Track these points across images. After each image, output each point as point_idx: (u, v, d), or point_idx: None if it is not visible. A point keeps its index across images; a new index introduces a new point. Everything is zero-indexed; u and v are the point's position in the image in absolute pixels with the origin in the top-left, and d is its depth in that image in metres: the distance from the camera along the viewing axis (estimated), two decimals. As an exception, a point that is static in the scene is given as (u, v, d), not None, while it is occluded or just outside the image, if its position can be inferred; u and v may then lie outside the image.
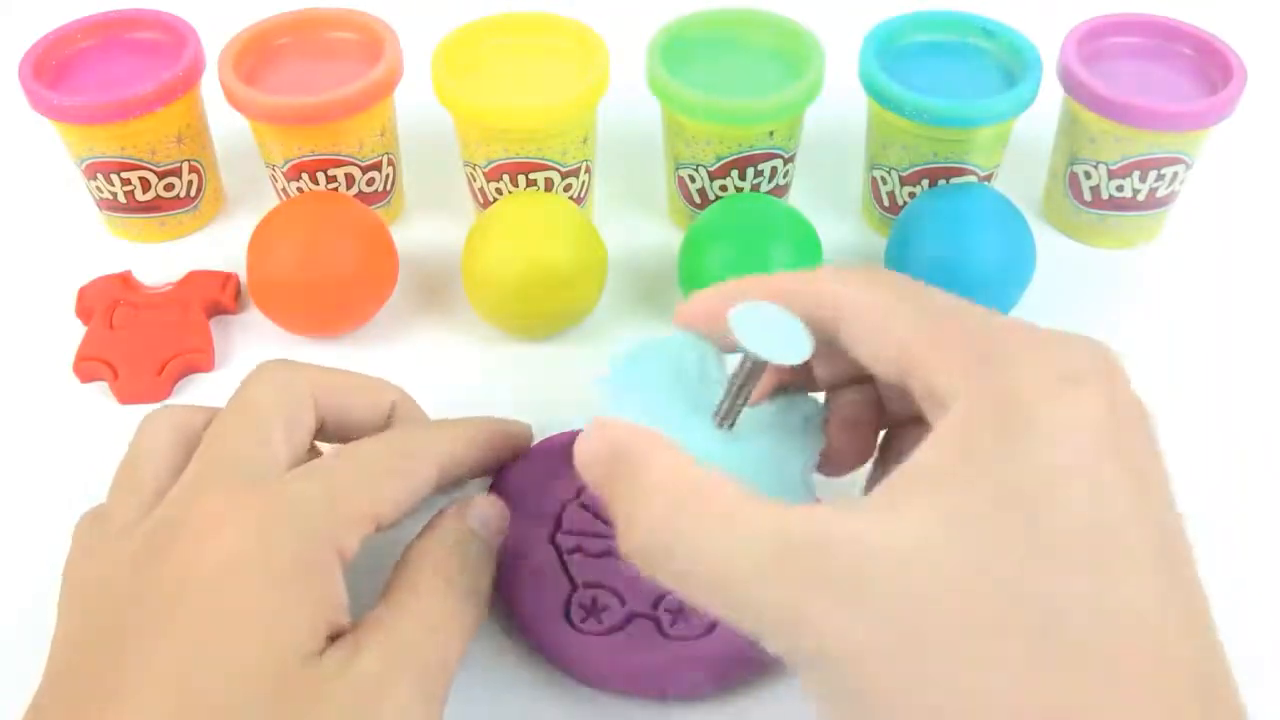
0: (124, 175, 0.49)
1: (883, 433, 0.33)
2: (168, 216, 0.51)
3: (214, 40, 0.49)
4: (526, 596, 0.35)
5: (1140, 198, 0.49)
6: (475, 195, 0.50)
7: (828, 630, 0.23)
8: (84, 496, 0.35)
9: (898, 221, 0.47)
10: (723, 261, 0.43)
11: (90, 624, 0.29)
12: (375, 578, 0.32)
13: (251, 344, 0.47)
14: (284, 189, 0.50)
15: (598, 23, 0.49)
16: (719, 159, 0.48)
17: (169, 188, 0.50)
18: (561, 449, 0.39)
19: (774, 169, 0.48)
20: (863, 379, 0.33)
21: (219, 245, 0.52)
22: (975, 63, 0.49)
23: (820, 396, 0.34)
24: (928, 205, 0.46)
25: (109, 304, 0.47)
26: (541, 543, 0.36)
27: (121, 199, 0.50)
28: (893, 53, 0.49)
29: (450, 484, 0.36)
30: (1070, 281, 0.49)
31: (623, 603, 0.35)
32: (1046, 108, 0.49)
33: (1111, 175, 0.48)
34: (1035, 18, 0.51)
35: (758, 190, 0.49)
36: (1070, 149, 0.49)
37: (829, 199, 0.53)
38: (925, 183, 0.49)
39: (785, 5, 0.50)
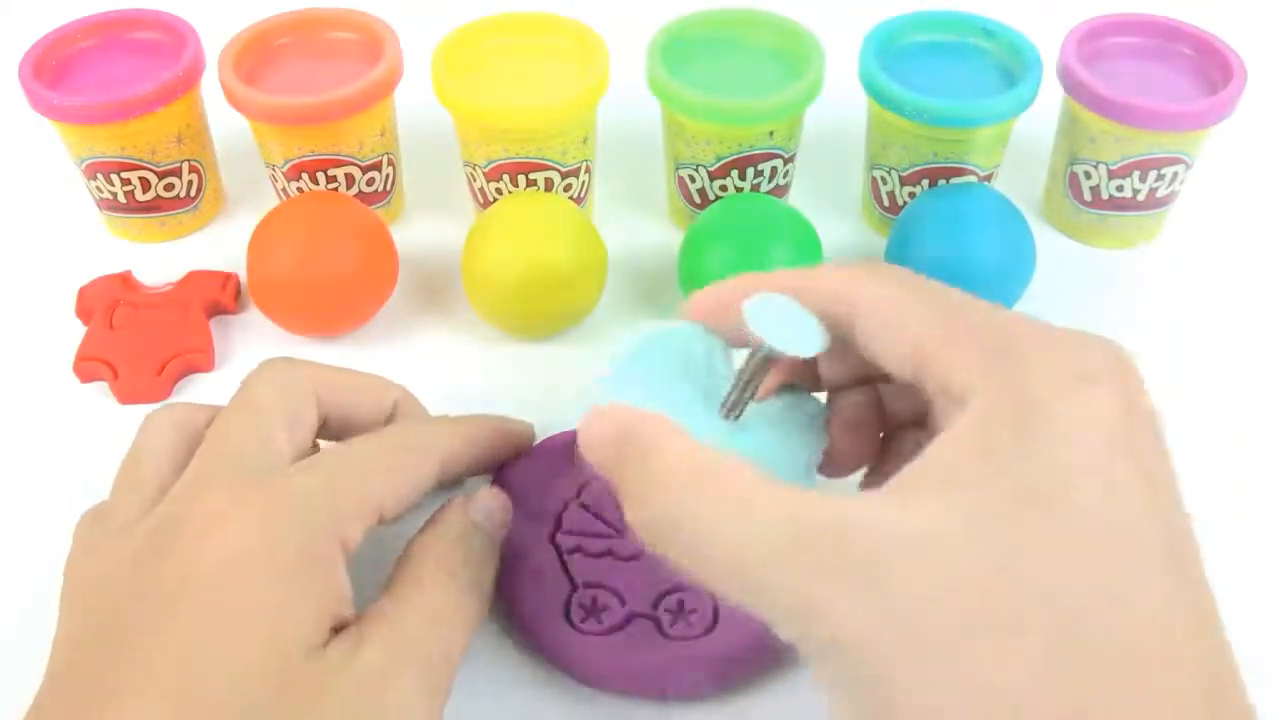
0: (124, 175, 0.49)
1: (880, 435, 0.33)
2: (168, 216, 0.51)
3: (214, 40, 0.49)
4: (526, 596, 0.35)
5: (1140, 198, 0.49)
6: (475, 195, 0.50)
7: (842, 618, 0.23)
8: (84, 496, 0.35)
9: (898, 221, 0.47)
10: (723, 261, 0.43)
11: (92, 622, 0.29)
12: (378, 572, 0.32)
13: (251, 344, 0.47)
14: (284, 189, 0.50)
15: (598, 23, 0.49)
16: (719, 159, 0.48)
17: (169, 188, 0.50)
18: (562, 448, 0.39)
19: (774, 169, 0.48)
20: (865, 381, 0.33)
21: (219, 245, 0.52)
22: (975, 63, 0.49)
23: (821, 397, 0.34)
24: (928, 205, 0.46)
25: (109, 304, 0.47)
26: (541, 542, 0.36)
27: (121, 199, 0.50)
28: (893, 53, 0.49)
29: (452, 480, 0.36)
30: (1070, 281, 0.49)
31: (623, 603, 0.35)
32: (1046, 108, 0.49)
33: (1111, 175, 0.48)
34: (1035, 18, 0.51)
35: (758, 190, 0.49)
36: (1070, 149, 0.49)
37: (829, 199, 0.53)
38: (925, 183, 0.49)
39: (785, 5, 0.50)
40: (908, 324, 0.28)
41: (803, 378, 0.33)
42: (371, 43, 0.50)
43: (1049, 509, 0.23)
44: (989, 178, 0.49)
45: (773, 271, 0.31)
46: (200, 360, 0.45)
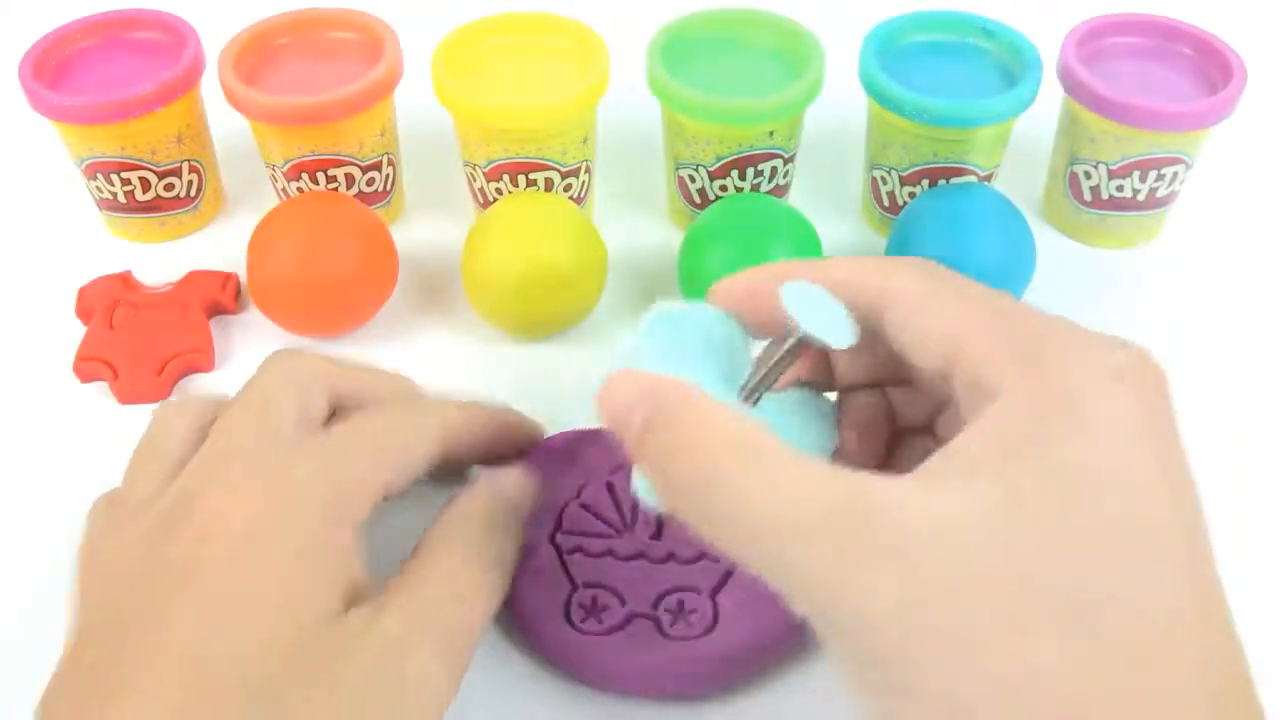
0: (124, 175, 0.49)
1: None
2: (168, 216, 0.51)
3: (214, 40, 0.49)
4: (526, 596, 0.35)
5: (1140, 198, 0.49)
6: (475, 195, 0.50)
7: (864, 597, 0.23)
8: (84, 496, 0.35)
9: (898, 221, 0.47)
10: (723, 261, 0.43)
11: (107, 602, 0.29)
12: (394, 559, 0.32)
13: (251, 344, 0.47)
14: (284, 189, 0.50)
15: (598, 23, 0.49)
16: (719, 159, 0.48)
17: (169, 188, 0.50)
18: (562, 448, 0.39)
19: (774, 169, 0.48)
20: (877, 383, 0.33)
21: (219, 245, 0.52)
22: (975, 63, 0.49)
23: (831, 398, 0.34)
24: (928, 205, 0.46)
25: (109, 304, 0.47)
26: (542, 543, 0.36)
27: (121, 199, 0.50)
28: (893, 53, 0.49)
29: (457, 461, 0.36)
30: (1070, 281, 0.49)
31: (623, 603, 0.35)
32: (1046, 108, 0.49)
33: (1111, 175, 0.48)
34: (1035, 18, 0.51)
35: (758, 190, 0.49)
36: (1070, 149, 0.49)
37: (829, 199, 0.53)
38: (925, 183, 0.49)
39: (785, 5, 0.50)
40: (940, 315, 0.28)
41: (817, 375, 0.33)
42: (371, 43, 0.50)
43: (1073, 503, 0.23)
44: (989, 178, 0.49)
45: (805, 260, 0.31)
46: (200, 360, 0.45)
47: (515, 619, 0.35)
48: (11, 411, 0.44)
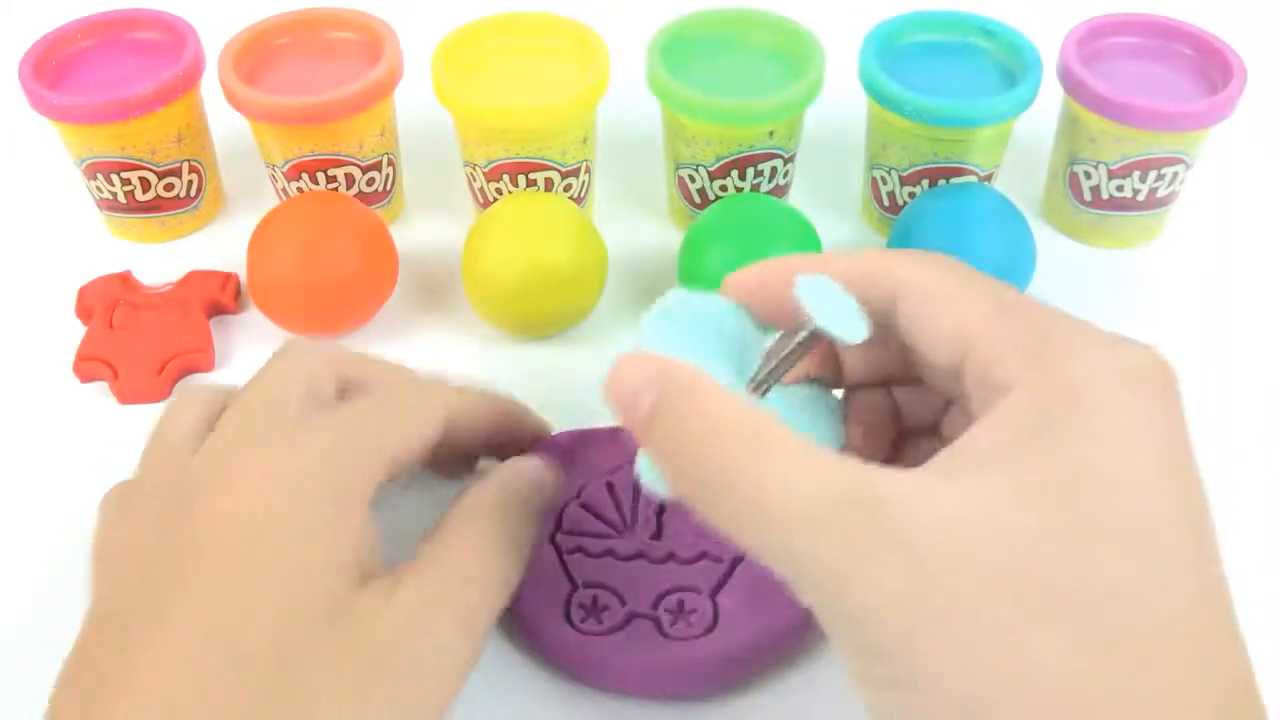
0: (124, 175, 0.49)
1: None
2: (168, 216, 0.51)
3: (214, 40, 0.49)
4: (526, 596, 0.35)
5: (1140, 198, 0.49)
6: (475, 195, 0.50)
7: (873, 587, 0.23)
8: (84, 496, 0.35)
9: (898, 221, 0.47)
10: (723, 261, 0.43)
11: (119, 586, 0.29)
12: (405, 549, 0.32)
13: (251, 344, 0.47)
14: (284, 189, 0.50)
15: (598, 23, 0.49)
16: (719, 159, 0.48)
17: (169, 188, 0.50)
18: (563, 448, 0.39)
19: (774, 169, 0.48)
20: (884, 382, 0.33)
21: (219, 245, 0.52)
22: (975, 63, 0.49)
23: (837, 395, 0.34)
24: (928, 205, 0.46)
25: (109, 304, 0.47)
26: (542, 542, 0.36)
27: (121, 199, 0.50)
28: (893, 53, 0.49)
29: (460, 446, 0.36)
30: (1070, 281, 0.49)
31: (623, 603, 0.35)
32: (1046, 108, 0.49)
33: (1111, 175, 0.48)
34: (1035, 18, 0.51)
35: (758, 190, 0.49)
36: (1070, 149, 0.49)
37: (829, 199, 0.53)
38: (925, 183, 0.49)
39: (785, 5, 0.50)
40: (953, 310, 0.28)
41: (826, 371, 0.33)
42: (371, 43, 0.50)
43: (1082, 501, 0.23)
44: (989, 178, 0.49)
45: (819, 253, 0.31)
46: (200, 360, 0.45)
47: (515, 619, 0.35)
48: (11, 411, 0.44)
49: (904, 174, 0.49)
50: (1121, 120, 0.46)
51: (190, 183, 0.51)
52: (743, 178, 0.48)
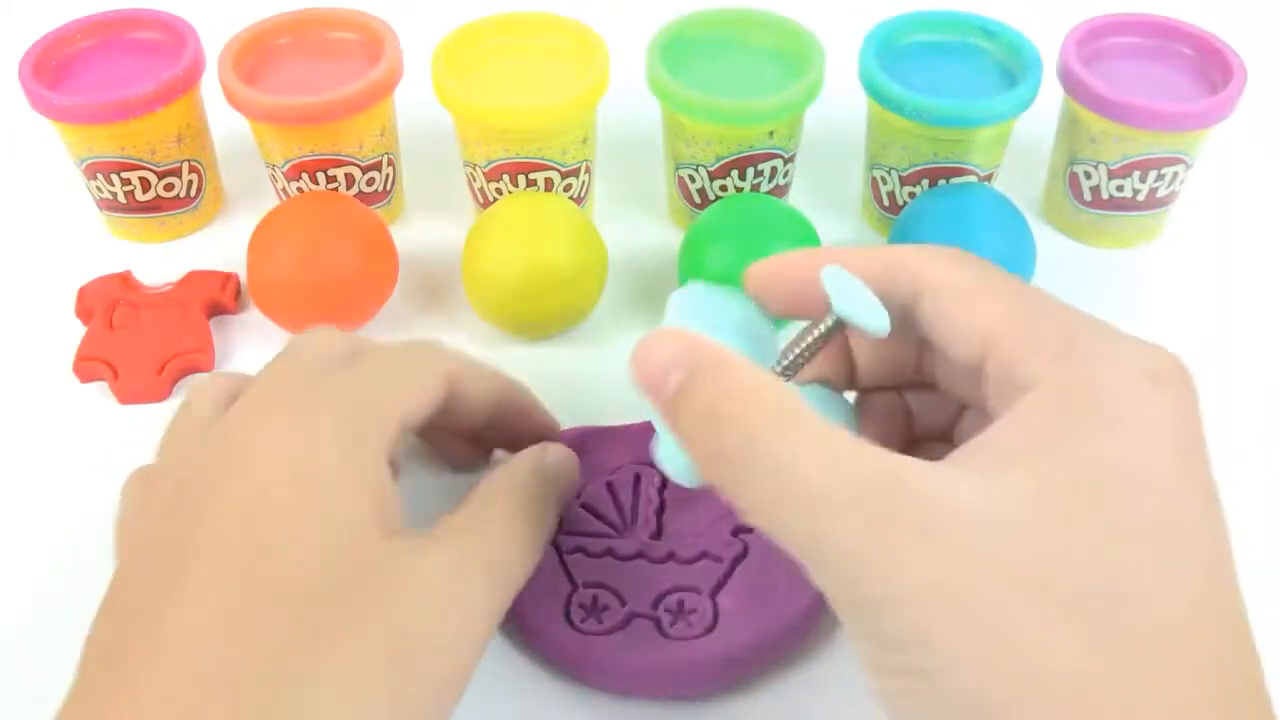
0: (124, 175, 0.49)
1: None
2: (168, 216, 0.51)
3: (214, 40, 0.49)
4: (526, 596, 0.35)
5: (1140, 198, 0.49)
6: (475, 195, 0.50)
7: (893, 573, 0.23)
8: (84, 496, 0.35)
9: (898, 221, 0.47)
10: (723, 261, 0.43)
11: (145, 545, 0.29)
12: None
13: (251, 344, 0.47)
14: (284, 189, 0.50)
15: (598, 23, 0.49)
16: (719, 159, 0.48)
17: (169, 188, 0.50)
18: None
19: (774, 169, 0.48)
20: (897, 386, 0.33)
21: (219, 245, 0.52)
22: (975, 63, 0.49)
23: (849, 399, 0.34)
24: (928, 205, 0.46)
25: (109, 304, 0.47)
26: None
27: (121, 199, 0.50)
28: (893, 53, 0.49)
29: (465, 415, 0.36)
30: (1070, 281, 0.49)
31: (623, 603, 0.35)
32: (1046, 108, 0.49)
33: (1111, 175, 0.48)
34: (1035, 18, 0.51)
35: (758, 190, 0.49)
36: (1070, 149, 0.49)
37: (829, 199, 0.53)
38: (925, 183, 0.49)
39: (785, 5, 0.50)
40: (976, 307, 0.28)
41: (839, 373, 0.33)
42: (371, 43, 0.50)
43: (1102, 500, 0.24)
44: (989, 178, 0.49)
45: (842, 247, 0.31)
46: (200, 360, 0.45)
47: (515, 619, 0.35)
48: (11, 411, 0.44)
49: (904, 174, 0.49)
50: (1121, 120, 0.46)
51: (190, 183, 0.51)
52: (743, 178, 0.48)
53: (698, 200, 0.50)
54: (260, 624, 0.26)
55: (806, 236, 0.45)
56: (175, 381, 0.45)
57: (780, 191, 0.50)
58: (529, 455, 0.35)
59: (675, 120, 0.48)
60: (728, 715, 0.34)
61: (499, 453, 0.40)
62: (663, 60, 0.47)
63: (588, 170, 0.49)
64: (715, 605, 0.35)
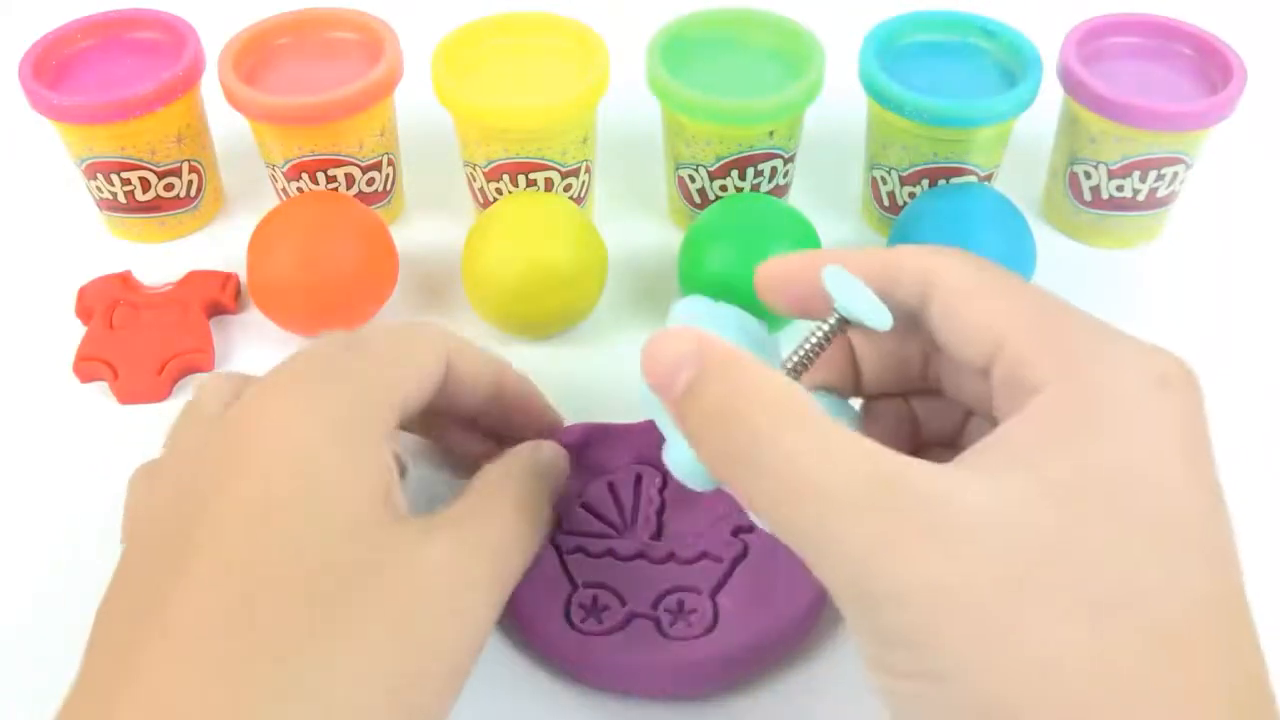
0: (124, 175, 0.49)
1: None
2: (168, 216, 0.51)
3: (214, 40, 0.49)
4: (526, 596, 0.35)
5: (1140, 198, 0.49)
6: (475, 195, 0.50)
7: (902, 573, 0.23)
8: (84, 496, 0.35)
9: (898, 221, 0.47)
10: (723, 261, 0.43)
11: (151, 531, 0.29)
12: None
13: (251, 344, 0.47)
14: (284, 189, 0.50)
15: (598, 23, 0.49)
16: (719, 159, 0.48)
17: (169, 188, 0.50)
18: (564, 447, 0.39)
19: (774, 169, 0.48)
20: (902, 393, 0.33)
21: (219, 245, 0.52)
22: (975, 63, 0.49)
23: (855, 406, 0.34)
24: (928, 205, 0.46)
25: (109, 304, 0.47)
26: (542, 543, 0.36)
27: (121, 199, 0.50)
28: (893, 53, 0.49)
29: (463, 396, 0.36)
30: (1070, 281, 0.48)
31: (623, 603, 0.35)
32: (1046, 108, 0.49)
33: (1111, 175, 0.48)
34: (1035, 18, 0.51)
35: (758, 190, 0.49)
36: (1070, 149, 0.49)
37: (829, 199, 0.53)
38: (925, 183, 0.49)
39: (785, 5, 0.50)
40: (985, 308, 0.28)
41: (845, 380, 0.33)
42: (371, 43, 0.50)
43: (1109, 501, 0.24)
44: (989, 178, 0.49)
45: (848, 248, 0.31)
46: (200, 360, 0.45)
47: (515, 619, 0.35)
48: (11, 411, 0.44)
49: (904, 174, 0.49)
50: (1121, 120, 0.46)
51: (190, 183, 0.51)
52: (743, 178, 0.48)
53: (698, 200, 0.50)
54: (263, 610, 0.26)
55: (806, 236, 0.45)
56: (175, 381, 0.45)
57: (780, 191, 0.50)
58: (525, 449, 0.36)
59: (675, 120, 0.48)
60: (728, 715, 0.34)
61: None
62: (663, 60, 0.47)
63: (588, 170, 0.49)
64: (715, 605, 0.35)
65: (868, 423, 0.33)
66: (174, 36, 0.50)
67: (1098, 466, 0.24)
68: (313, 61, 0.50)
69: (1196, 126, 0.46)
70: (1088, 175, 0.49)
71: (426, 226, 0.52)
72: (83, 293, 0.48)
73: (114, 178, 0.49)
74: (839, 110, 0.50)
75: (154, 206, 0.51)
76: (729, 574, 0.35)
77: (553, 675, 0.35)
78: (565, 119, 0.46)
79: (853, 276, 0.29)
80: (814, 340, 0.30)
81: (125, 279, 0.48)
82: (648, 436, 0.39)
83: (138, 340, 0.46)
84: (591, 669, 0.34)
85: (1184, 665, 0.22)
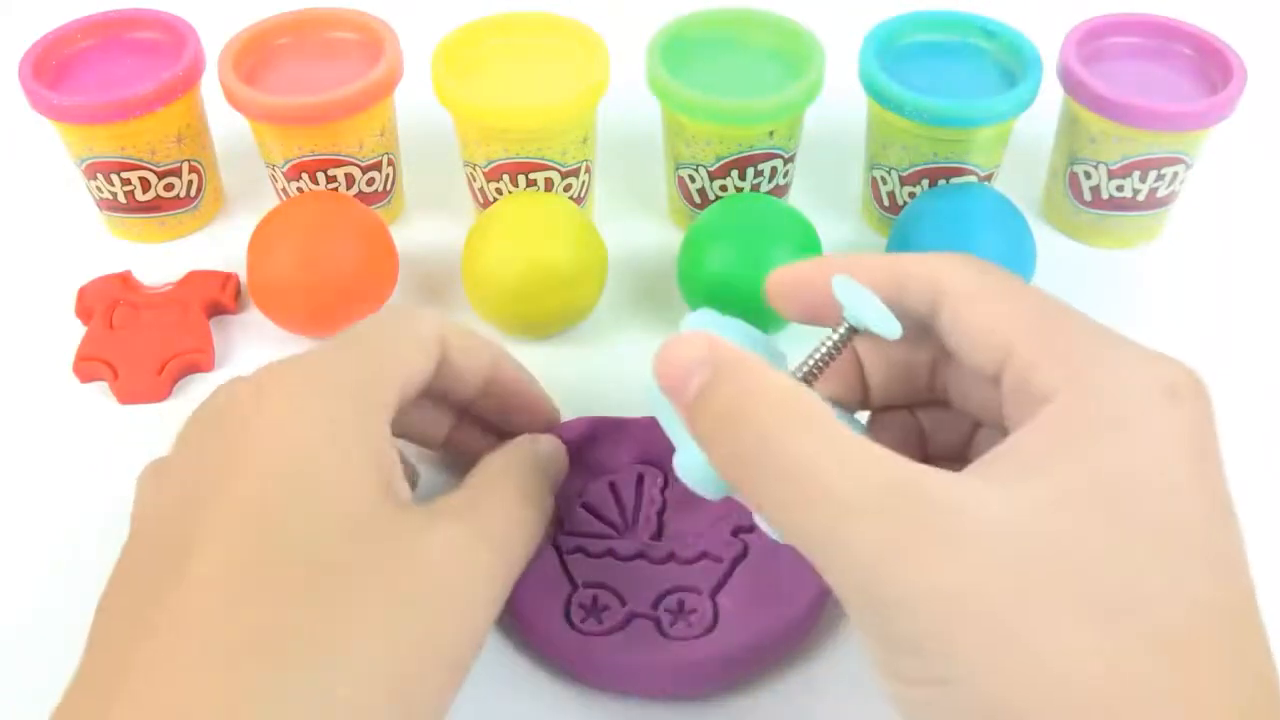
0: (124, 175, 0.49)
1: None
2: (168, 216, 0.51)
3: (214, 40, 0.49)
4: (526, 596, 0.35)
5: (1140, 198, 0.49)
6: (475, 195, 0.50)
7: (914, 578, 0.23)
8: (84, 496, 0.35)
9: (898, 221, 0.47)
10: (723, 261, 0.43)
11: (153, 526, 0.29)
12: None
13: (251, 344, 0.47)
14: (284, 189, 0.50)
15: (598, 23, 0.49)
16: (719, 159, 0.48)
17: (169, 188, 0.50)
18: (565, 444, 0.39)
19: (774, 169, 0.48)
20: (910, 406, 0.33)
21: (219, 245, 0.52)
22: (975, 63, 0.49)
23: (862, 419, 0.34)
24: (928, 205, 0.46)
25: (109, 304, 0.47)
26: (542, 543, 0.36)
27: (121, 199, 0.50)
28: (893, 53, 0.49)
29: (461, 383, 0.36)
30: (1070, 281, 0.49)
31: (623, 603, 0.35)
32: (1046, 108, 0.49)
33: (1111, 175, 0.48)
34: (1035, 18, 0.51)
35: (758, 190, 0.49)
36: (1070, 149, 0.49)
37: (829, 199, 0.53)
38: (925, 183, 0.49)
39: (785, 5, 0.50)
40: (995, 315, 0.28)
41: (852, 393, 0.33)
42: (371, 43, 0.50)
43: (1121, 508, 0.24)
44: (989, 178, 0.49)
45: (860, 254, 0.31)
46: (200, 360, 0.45)
47: (515, 619, 0.35)
48: (11, 411, 0.44)
49: (904, 174, 0.49)
50: (1121, 120, 0.46)
51: (190, 183, 0.51)
52: (743, 178, 0.48)
53: (698, 200, 0.50)
54: (261, 610, 0.26)
55: (806, 236, 0.45)
56: (175, 381, 0.45)
57: (780, 191, 0.50)
58: (524, 441, 0.36)
59: (675, 120, 0.48)
60: (728, 715, 0.34)
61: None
62: (663, 60, 0.47)
63: (588, 170, 0.49)
64: (715, 605, 0.35)
65: (875, 433, 0.33)
66: (174, 36, 0.50)
67: (1108, 476, 0.24)
68: (313, 61, 0.50)
69: (1196, 126, 0.46)
70: (1088, 175, 0.49)
71: (426, 226, 0.52)
72: (83, 293, 0.48)
73: (114, 178, 0.49)
74: (839, 110, 0.50)
75: (154, 206, 0.51)
76: (729, 574, 0.35)
77: (553, 675, 0.35)
78: (565, 119, 0.46)
79: (862, 286, 0.29)
80: (824, 349, 0.30)
81: (125, 279, 0.48)
82: (649, 433, 0.39)
83: (138, 340, 0.46)
84: (591, 669, 0.34)
85: (1186, 670, 0.22)
